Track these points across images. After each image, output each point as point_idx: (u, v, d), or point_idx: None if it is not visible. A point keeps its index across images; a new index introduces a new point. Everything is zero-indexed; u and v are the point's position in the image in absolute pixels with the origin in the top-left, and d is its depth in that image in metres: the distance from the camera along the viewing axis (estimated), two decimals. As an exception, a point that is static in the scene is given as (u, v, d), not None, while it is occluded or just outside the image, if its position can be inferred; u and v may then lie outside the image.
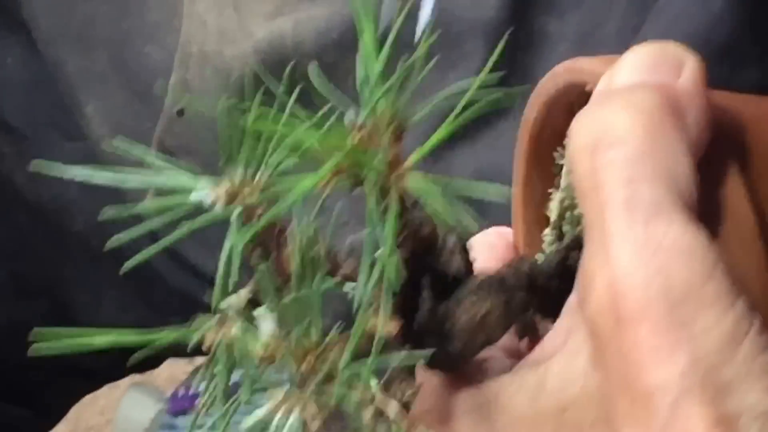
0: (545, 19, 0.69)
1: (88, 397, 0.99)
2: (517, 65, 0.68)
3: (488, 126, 0.70)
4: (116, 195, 0.80)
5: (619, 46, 0.38)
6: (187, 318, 0.84)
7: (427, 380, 0.43)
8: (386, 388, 0.39)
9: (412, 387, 0.39)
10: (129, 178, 0.42)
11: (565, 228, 0.50)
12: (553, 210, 0.51)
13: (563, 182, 0.50)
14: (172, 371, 1.44)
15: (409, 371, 0.40)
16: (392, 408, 0.38)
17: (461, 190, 0.36)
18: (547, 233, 0.51)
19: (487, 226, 0.50)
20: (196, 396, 1.24)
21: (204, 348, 0.40)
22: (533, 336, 0.44)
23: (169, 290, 0.84)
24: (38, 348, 0.40)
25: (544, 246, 0.51)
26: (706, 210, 0.39)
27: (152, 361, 0.99)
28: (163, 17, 0.78)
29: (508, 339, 0.47)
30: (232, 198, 0.40)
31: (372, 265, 0.37)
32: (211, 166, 0.41)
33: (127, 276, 0.40)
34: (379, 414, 0.38)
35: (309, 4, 0.73)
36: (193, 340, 0.40)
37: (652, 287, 0.37)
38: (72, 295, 0.86)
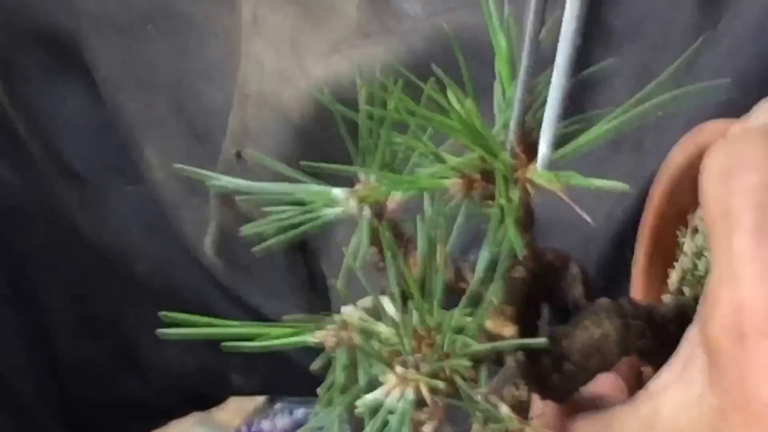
0: (601, 54, 0.65)
1: (154, 433, 1.01)
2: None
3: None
4: (175, 239, 0.80)
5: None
6: (249, 360, 0.82)
7: (543, 407, 0.43)
8: (497, 390, 0.39)
9: (524, 392, 0.39)
10: (268, 188, 0.44)
11: (685, 290, 0.50)
12: (673, 277, 0.50)
13: (687, 246, 0.50)
14: (236, 408, 1.42)
15: (521, 380, 0.40)
16: (503, 408, 0.38)
17: (581, 184, 0.37)
18: (667, 298, 0.50)
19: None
20: (259, 432, 1.24)
21: (327, 347, 0.41)
22: (652, 361, 0.43)
23: None
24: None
25: None
26: None
27: (216, 400, 0.97)
28: (221, 57, 0.77)
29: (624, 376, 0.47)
30: (363, 199, 0.41)
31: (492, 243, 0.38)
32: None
33: None
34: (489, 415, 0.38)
35: (365, 41, 0.71)
36: (309, 339, 0.41)
37: None
38: (136, 335, 0.85)
